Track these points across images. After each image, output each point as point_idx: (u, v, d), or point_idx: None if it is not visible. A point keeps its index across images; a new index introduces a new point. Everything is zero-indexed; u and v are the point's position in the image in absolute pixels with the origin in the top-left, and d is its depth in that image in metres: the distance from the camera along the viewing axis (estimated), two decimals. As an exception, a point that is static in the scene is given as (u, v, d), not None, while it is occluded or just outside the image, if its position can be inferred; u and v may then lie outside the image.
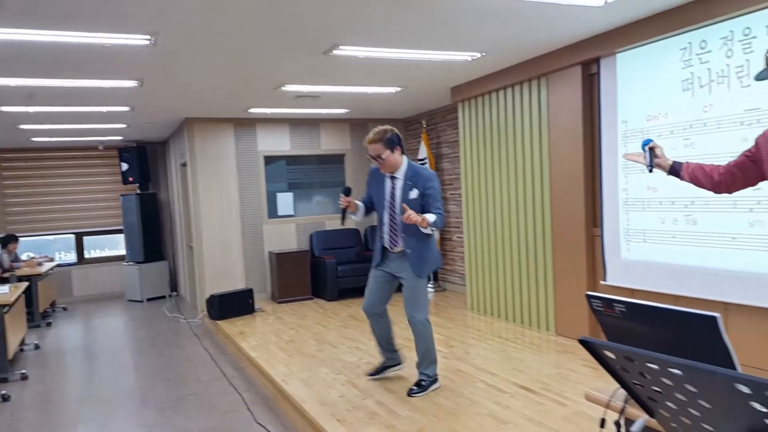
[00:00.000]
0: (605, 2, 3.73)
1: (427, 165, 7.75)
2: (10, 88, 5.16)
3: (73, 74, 4.86)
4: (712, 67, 3.91)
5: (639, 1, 3.88)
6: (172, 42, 4.13)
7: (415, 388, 4.07)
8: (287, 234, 8.34)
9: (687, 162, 2.48)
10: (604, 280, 4.94)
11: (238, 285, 7.93)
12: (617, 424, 1.59)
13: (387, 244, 4.09)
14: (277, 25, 3.92)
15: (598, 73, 4.83)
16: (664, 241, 4.37)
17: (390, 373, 4.46)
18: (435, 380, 4.14)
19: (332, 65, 5.07)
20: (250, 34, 4.09)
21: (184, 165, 8.35)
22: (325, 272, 7.74)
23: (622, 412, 1.59)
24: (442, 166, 8.08)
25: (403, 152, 3.98)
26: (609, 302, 1.57)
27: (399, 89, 6.35)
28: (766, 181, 2.29)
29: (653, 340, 1.53)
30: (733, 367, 1.34)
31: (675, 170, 2.46)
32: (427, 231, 3.82)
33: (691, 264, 4.17)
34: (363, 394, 4.15)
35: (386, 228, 4.06)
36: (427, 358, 4.11)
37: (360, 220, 4.28)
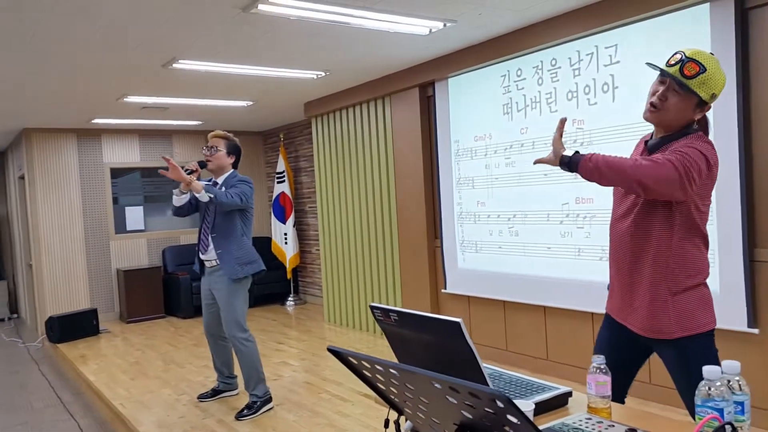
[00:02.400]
0: (430, 31, 4.02)
1: (286, 178, 7.81)
2: None
3: None
4: (527, 94, 4.33)
5: (460, 32, 4.21)
6: (-9, 49, 3.89)
7: (245, 410, 3.94)
8: (137, 250, 7.99)
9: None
10: (445, 288, 5.25)
11: (83, 305, 7.48)
12: (396, 423, 1.75)
13: (200, 248, 4.00)
14: (112, 37, 3.81)
15: (433, 95, 5.16)
16: (493, 252, 4.74)
17: (223, 396, 4.36)
18: (268, 400, 4.04)
19: (174, 78, 4.99)
20: (83, 44, 3.94)
21: (22, 178, 7.77)
22: (179, 289, 7.51)
23: (401, 413, 1.74)
24: (301, 180, 8.17)
25: (235, 166, 4.03)
26: (386, 312, 1.72)
27: (250, 103, 6.36)
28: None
29: (421, 343, 1.70)
30: (477, 363, 1.54)
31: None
32: (203, 198, 3.68)
33: (516, 272, 4.57)
34: (204, 413, 4.10)
35: (200, 231, 4.00)
36: (253, 378, 3.96)
37: (179, 204, 3.95)
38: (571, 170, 1.94)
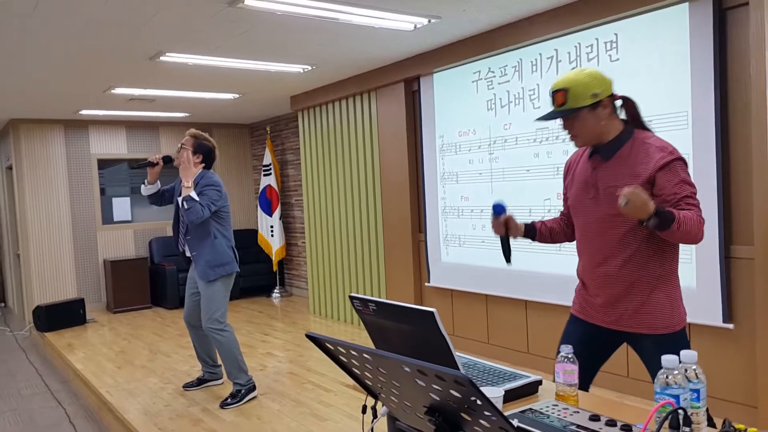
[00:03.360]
0: (414, 27, 4.07)
1: (272, 171, 7.84)
2: None
3: None
4: (511, 90, 4.40)
5: (445, 28, 4.27)
6: (-23, 39, 3.89)
7: (229, 399, 4.01)
8: (124, 240, 8.00)
9: (534, 222, 2.43)
10: (428, 282, 5.33)
11: (70, 295, 7.50)
12: (373, 408, 1.82)
13: (178, 246, 4.11)
14: (98, 29, 3.83)
15: (418, 90, 5.22)
16: (476, 246, 4.82)
17: (208, 385, 4.43)
18: (251, 388, 4.09)
19: (161, 70, 5.01)
20: (70, 36, 3.95)
21: (9, 168, 7.75)
22: (165, 280, 7.53)
23: (377, 398, 1.81)
24: (288, 173, 8.21)
25: (205, 166, 4.01)
26: (365, 302, 1.79)
27: (237, 96, 6.38)
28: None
29: (398, 332, 1.77)
30: (449, 350, 1.61)
31: (530, 233, 2.41)
32: (185, 207, 3.77)
33: (498, 266, 4.65)
34: (190, 402, 4.15)
35: (175, 231, 4.10)
36: (234, 367, 4.01)
37: (146, 194, 4.12)
38: (655, 227, 1.89)
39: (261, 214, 7.99)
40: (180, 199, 3.82)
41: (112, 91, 5.73)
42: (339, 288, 6.40)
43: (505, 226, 2.28)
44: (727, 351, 3.41)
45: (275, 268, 8.09)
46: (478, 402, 1.04)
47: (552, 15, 3.99)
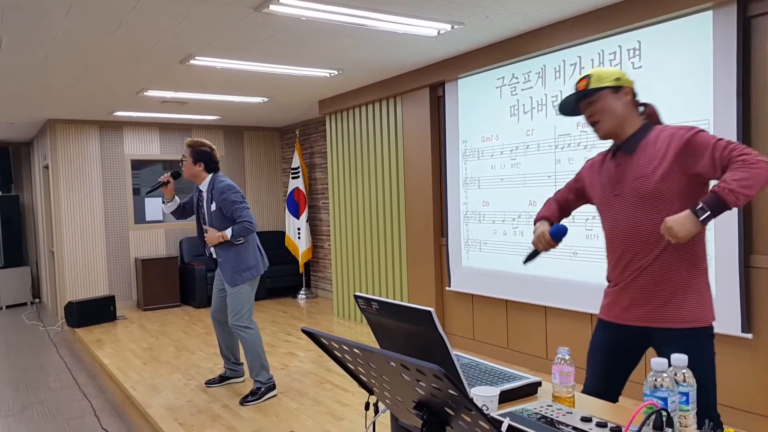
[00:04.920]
0: (438, 33, 4.11)
1: (300, 174, 7.95)
2: None
3: None
4: (534, 96, 4.40)
5: (468, 34, 4.30)
6: (19, 46, 4.06)
7: (249, 396, 4.09)
8: (155, 240, 8.21)
9: (545, 215, 2.43)
10: (449, 286, 5.34)
11: (101, 292, 7.72)
12: (375, 405, 1.86)
13: (207, 252, 4.26)
14: (131, 34, 3.97)
15: (443, 95, 5.25)
16: (496, 251, 4.82)
17: (230, 383, 4.52)
18: (271, 387, 4.17)
19: (192, 74, 5.15)
20: (105, 41, 4.10)
21: (46, 167, 8.02)
22: (194, 279, 7.70)
23: (372, 393, 1.85)
24: (315, 176, 8.31)
25: (209, 170, 4.13)
26: (368, 301, 1.83)
27: (266, 100, 6.50)
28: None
29: (399, 330, 1.81)
30: (446, 349, 1.64)
31: (550, 222, 2.38)
32: (238, 242, 4.03)
33: (517, 272, 4.64)
34: (211, 398, 4.25)
35: (200, 236, 4.24)
36: (257, 364, 4.11)
37: (168, 212, 4.34)
38: (715, 215, 1.84)
39: (288, 217, 8.11)
40: (232, 240, 3.99)
41: (145, 93, 5.90)
42: (362, 291, 6.45)
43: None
44: (746, 361, 3.36)
45: (301, 269, 8.19)
46: (455, 394, 1.07)
47: (575, 22, 3.99)
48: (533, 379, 1.81)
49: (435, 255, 5.46)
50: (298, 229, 8.02)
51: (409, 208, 5.70)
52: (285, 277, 8.29)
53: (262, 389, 4.12)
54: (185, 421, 3.83)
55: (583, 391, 2.15)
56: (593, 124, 2.13)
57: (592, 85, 2.08)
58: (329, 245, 8.11)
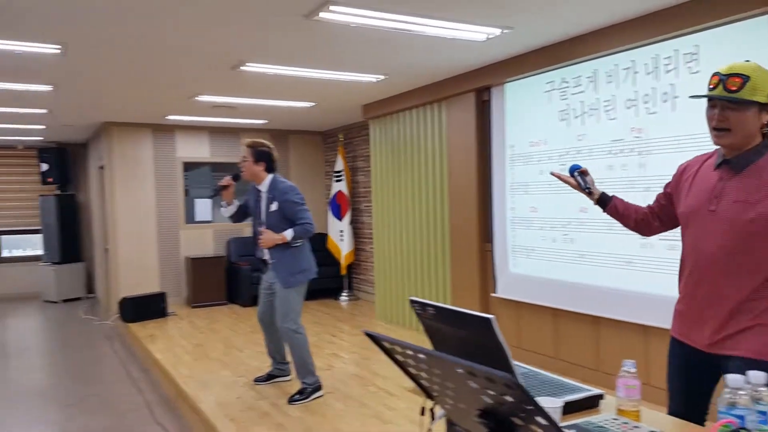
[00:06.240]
0: (487, 38, 4.11)
1: (343, 177, 8.03)
2: None
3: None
4: (585, 100, 4.35)
5: (517, 39, 4.28)
6: (81, 51, 4.24)
7: (297, 395, 4.16)
8: (204, 239, 8.41)
9: (615, 195, 2.39)
10: (495, 292, 5.32)
11: (153, 288, 7.95)
12: (431, 411, 1.88)
13: (259, 253, 4.30)
14: (185, 41, 4.10)
15: (489, 100, 5.23)
16: (544, 258, 4.78)
17: (277, 381, 4.61)
18: (318, 388, 4.24)
19: (242, 79, 5.27)
20: (159, 48, 4.24)
21: (102, 168, 8.31)
22: (240, 278, 7.86)
23: (433, 399, 1.87)
24: (358, 179, 8.38)
25: (270, 170, 4.19)
26: (424, 306, 1.85)
27: (312, 104, 6.60)
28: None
29: (455, 336, 1.82)
30: (506, 358, 1.64)
31: (603, 201, 2.38)
32: (296, 243, 4.08)
33: (567, 279, 4.58)
34: (259, 395, 4.33)
35: (255, 237, 4.29)
36: (303, 367, 4.17)
37: (227, 215, 4.39)
38: None
39: (331, 219, 8.20)
40: (291, 241, 4.05)
41: (197, 98, 6.06)
42: (405, 294, 6.48)
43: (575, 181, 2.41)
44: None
45: (343, 271, 8.26)
46: (530, 407, 1.08)
47: (628, 26, 3.93)
48: (595, 391, 1.80)
49: (479, 260, 5.44)
50: (341, 231, 8.09)
51: (452, 213, 5.69)
52: (327, 279, 8.38)
53: (309, 389, 4.19)
54: (235, 417, 3.92)
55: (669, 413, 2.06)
56: (720, 130, 1.89)
57: (744, 94, 1.83)
58: (371, 248, 8.16)
